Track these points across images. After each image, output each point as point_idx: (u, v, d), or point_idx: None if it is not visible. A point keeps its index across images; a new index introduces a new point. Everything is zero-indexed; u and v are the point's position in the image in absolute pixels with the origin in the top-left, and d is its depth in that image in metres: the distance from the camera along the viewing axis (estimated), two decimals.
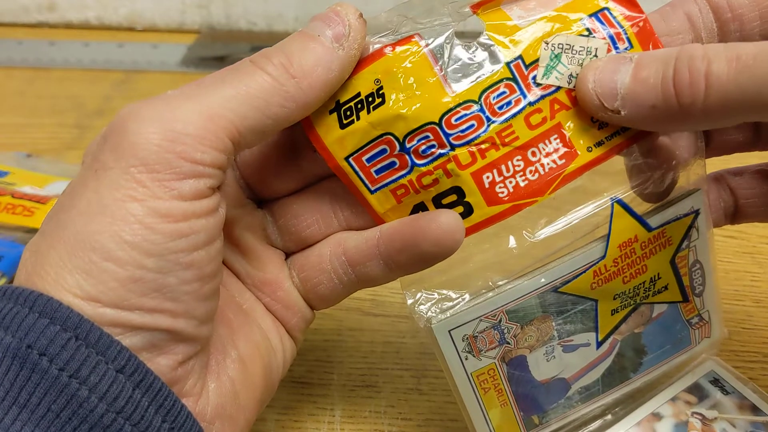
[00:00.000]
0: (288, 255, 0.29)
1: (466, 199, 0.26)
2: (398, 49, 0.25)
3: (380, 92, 0.25)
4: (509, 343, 0.28)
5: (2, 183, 0.45)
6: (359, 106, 0.25)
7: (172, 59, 0.63)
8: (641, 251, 0.28)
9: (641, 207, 0.28)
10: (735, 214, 0.31)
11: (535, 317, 0.28)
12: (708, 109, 0.23)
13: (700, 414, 0.30)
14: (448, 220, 0.25)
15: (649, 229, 0.28)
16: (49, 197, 0.44)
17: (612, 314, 0.28)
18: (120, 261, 0.21)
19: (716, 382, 0.31)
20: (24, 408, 0.20)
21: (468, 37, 0.26)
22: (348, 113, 0.25)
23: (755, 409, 0.30)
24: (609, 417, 0.30)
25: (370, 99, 0.25)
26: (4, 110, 0.57)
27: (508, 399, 0.29)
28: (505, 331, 0.28)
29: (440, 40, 0.25)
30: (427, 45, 0.25)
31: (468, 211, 0.26)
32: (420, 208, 0.26)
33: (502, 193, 0.26)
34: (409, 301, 0.27)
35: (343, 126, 0.25)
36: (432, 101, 0.25)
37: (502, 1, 0.26)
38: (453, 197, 0.26)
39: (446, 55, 0.25)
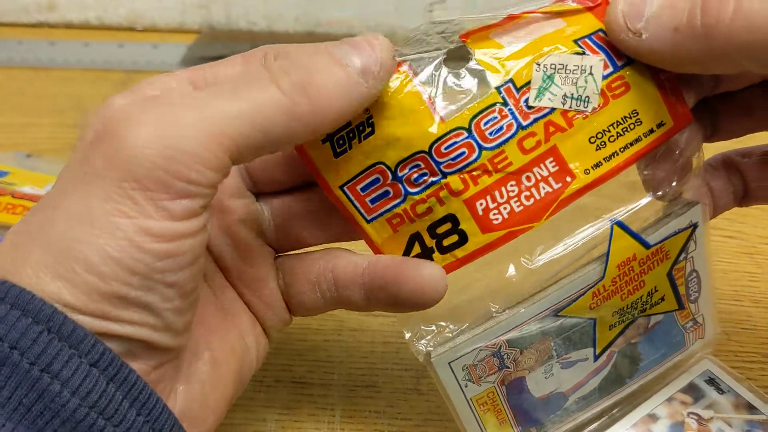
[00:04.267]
0: (277, 254, 0.29)
1: (460, 227, 0.25)
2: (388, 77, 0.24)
3: (370, 121, 0.25)
4: (509, 368, 0.28)
5: (2, 183, 0.45)
6: (351, 135, 0.25)
7: (172, 59, 0.63)
8: (639, 268, 0.27)
9: (638, 223, 0.27)
10: (744, 197, 0.31)
11: (535, 341, 0.28)
12: (731, 34, 0.22)
13: (696, 414, 0.30)
14: (431, 272, 0.25)
15: (647, 246, 0.27)
16: None
17: (610, 329, 0.28)
18: (104, 276, 0.20)
19: (711, 381, 0.31)
20: None
21: (457, 63, 0.25)
22: (341, 142, 0.25)
23: (751, 408, 0.30)
24: (605, 419, 0.30)
25: (361, 128, 0.25)
26: (4, 110, 0.57)
27: (507, 416, 0.29)
28: (505, 357, 0.27)
29: (429, 69, 0.25)
30: (415, 74, 0.24)
31: (463, 240, 0.25)
32: (416, 237, 0.26)
33: (497, 219, 0.25)
34: (407, 335, 0.27)
35: (336, 155, 0.25)
36: (421, 130, 0.24)
37: (492, 31, 0.25)
38: (447, 225, 0.25)
39: (435, 83, 0.24)
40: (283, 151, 0.26)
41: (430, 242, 0.26)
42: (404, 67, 0.25)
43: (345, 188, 0.26)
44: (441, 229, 0.25)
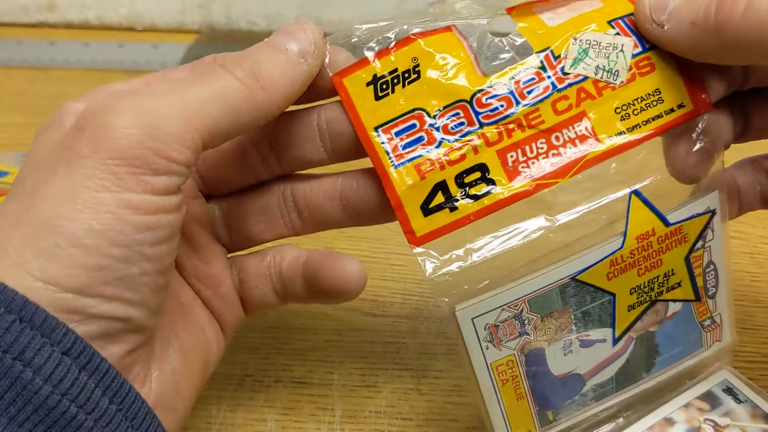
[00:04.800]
0: (230, 252, 0.30)
1: (489, 176, 0.27)
2: (437, 35, 0.27)
3: (416, 69, 0.27)
4: (529, 335, 0.28)
5: (2, 183, 0.45)
6: (395, 80, 0.27)
7: (172, 59, 0.63)
8: (657, 245, 0.28)
9: (659, 202, 0.28)
10: None
11: (555, 309, 0.28)
12: (740, 30, 0.24)
13: (713, 420, 0.30)
14: (352, 266, 0.28)
15: (666, 223, 0.28)
16: None
17: (629, 310, 0.29)
18: (86, 248, 0.21)
19: (729, 390, 0.31)
20: None
21: (501, 33, 0.28)
22: (384, 86, 0.27)
23: None
24: (621, 420, 0.30)
25: (407, 75, 0.27)
26: (4, 110, 0.57)
27: (525, 392, 0.29)
28: (526, 321, 0.28)
29: (475, 32, 0.27)
30: (462, 35, 0.27)
31: (491, 188, 0.27)
32: (440, 186, 0.27)
33: (525, 172, 0.27)
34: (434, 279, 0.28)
35: (377, 98, 0.27)
36: (465, 81, 0.27)
37: (535, 6, 0.28)
38: (477, 174, 0.27)
39: (480, 45, 0.27)
40: (245, 134, 0.28)
41: (455, 191, 0.27)
42: (453, 30, 0.27)
43: (380, 130, 0.27)
44: (469, 178, 0.27)
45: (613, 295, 0.28)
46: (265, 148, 0.28)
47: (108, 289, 0.22)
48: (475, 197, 0.27)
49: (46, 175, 0.22)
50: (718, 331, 0.31)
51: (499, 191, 0.27)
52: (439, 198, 0.27)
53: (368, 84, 0.27)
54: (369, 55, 0.27)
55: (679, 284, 0.29)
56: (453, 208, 0.27)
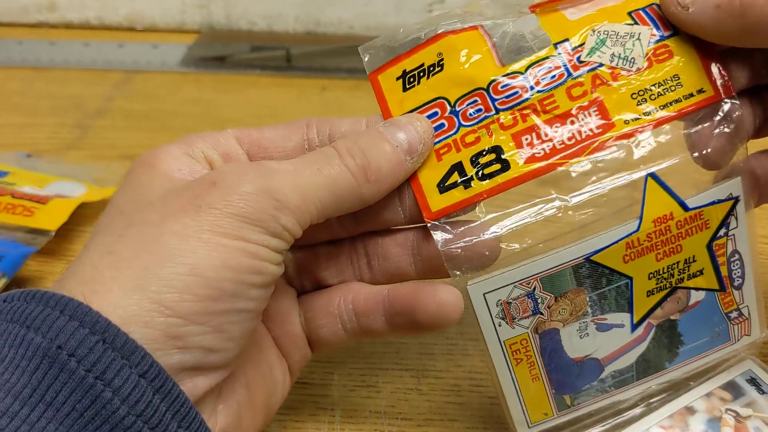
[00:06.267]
0: (298, 293, 0.31)
1: (504, 157, 0.28)
2: (464, 33, 0.29)
3: (441, 62, 0.29)
4: (542, 314, 0.28)
5: (2, 183, 0.45)
6: (421, 74, 0.29)
7: (172, 59, 0.63)
8: (676, 230, 0.28)
9: (678, 189, 0.28)
10: None
11: (569, 290, 0.28)
12: (764, 14, 0.25)
13: (734, 411, 0.29)
14: (446, 296, 0.27)
15: (685, 208, 0.28)
16: (49, 197, 0.44)
17: (648, 296, 0.29)
18: (204, 278, 0.23)
19: (753, 381, 0.30)
20: (50, 406, 0.21)
21: (524, 29, 0.29)
22: (411, 80, 0.29)
23: None
24: (642, 408, 0.30)
25: (431, 68, 0.29)
26: (4, 110, 0.57)
27: (540, 374, 0.29)
28: (539, 300, 0.28)
29: (499, 30, 0.29)
30: (487, 33, 0.29)
31: (505, 168, 0.28)
32: (456, 167, 0.28)
33: (539, 153, 0.28)
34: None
35: (405, 90, 0.29)
36: (483, 70, 0.28)
37: (559, 3, 0.29)
38: (492, 156, 0.28)
39: (502, 39, 0.29)
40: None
41: (470, 171, 0.28)
42: (479, 29, 0.29)
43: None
44: (484, 159, 0.28)
45: (630, 279, 0.28)
46: (347, 215, 0.29)
47: (213, 320, 0.23)
48: (490, 176, 0.28)
49: (175, 215, 0.24)
50: (746, 324, 0.30)
51: (513, 170, 0.28)
52: (455, 177, 0.28)
53: (398, 78, 0.29)
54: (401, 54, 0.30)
55: (701, 272, 0.29)
56: (467, 186, 0.28)
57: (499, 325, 0.28)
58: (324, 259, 0.31)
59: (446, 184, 0.28)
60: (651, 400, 0.30)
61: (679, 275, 0.29)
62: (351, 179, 0.26)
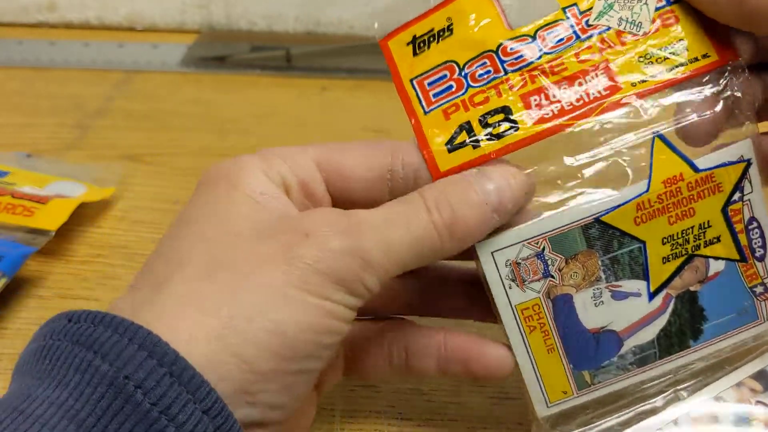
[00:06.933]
0: None
1: (512, 117, 0.28)
2: None
3: (450, 27, 0.29)
4: (554, 277, 0.28)
5: (2, 183, 0.45)
6: (431, 39, 0.30)
7: (172, 59, 0.63)
8: (688, 192, 0.28)
9: (687, 151, 0.28)
10: None
11: (579, 251, 0.28)
12: (761, 4, 0.25)
13: (764, 403, 0.29)
14: (502, 353, 0.28)
15: (696, 169, 0.28)
16: (49, 197, 0.44)
17: (663, 263, 0.28)
18: (285, 337, 0.23)
19: None
20: None
21: None
22: (421, 45, 0.30)
23: None
24: (670, 394, 0.29)
25: (441, 33, 0.29)
26: (4, 110, 0.57)
27: (556, 344, 0.29)
28: (549, 262, 0.28)
29: None
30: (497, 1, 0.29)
31: (514, 128, 0.28)
32: (464, 126, 0.28)
33: (547, 114, 0.28)
34: None
35: (415, 54, 0.30)
36: (492, 34, 0.29)
37: None
38: (500, 116, 0.28)
39: (510, 3, 0.29)
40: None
41: (479, 131, 0.28)
42: None
43: (414, 81, 0.29)
44: (493, 119, 0.28)
45: (643, 243, 0.28)
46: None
47: (286, 379, 0.23)
48: (498, 136, 0.28)
49: (266, 266, 0.24)
50: None
51: (522, 131, 0.28)
52: (463, 136, 0.28)
53: (408, 44, 0.30)
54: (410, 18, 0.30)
55: (718, 239, 0.29)
56: (476, 146, 0.28)
57: (510, 288, 0.28)
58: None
59: (455, 143, 0.28)
60: (678, 387, 0.29)
61: (695, 241, 0.28)
62: (435, 237, 0.26)
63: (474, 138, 0.28)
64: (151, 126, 0.55)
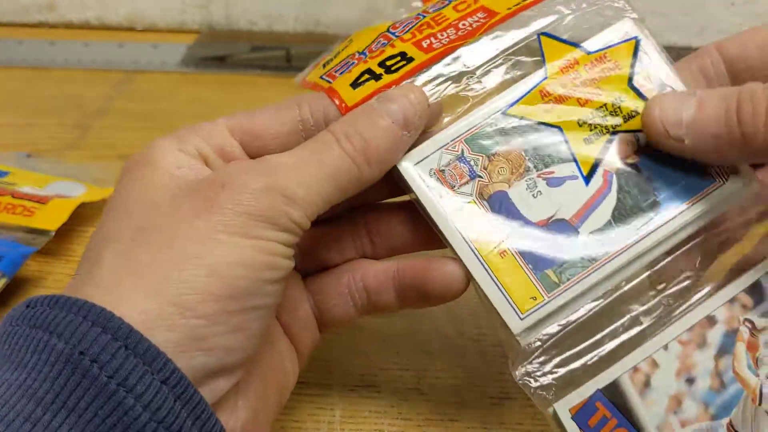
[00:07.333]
0: (303, 277, 0.31)
1: (408, 56, 0.30)
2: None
3: (350, 40, 0.33)
4: (481, 177, 0.28)
5: (2, 183, 0.45)
6: (337, 54, 0.33)
7: (172, 59, 0.63)
8: (586, 73, 0.29)
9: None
10: None
11: (499, 147, 0.29)
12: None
13: (750, 322, 0.28)
14: (453, 268, 0.28)
15: (587, 51, 0.29)
16: (49, 197, 0.44)
17: (586, 143, 0.29)
18: (222, 278, 0.23)
19: None
20: (72, 412, 0.21)
21: None
22: (329, 62, 0.33)
23: None
24: (661, 312, 0.28)
25: (344, 47, 0.33)
26: (4, 110, 0.57)
27: (506, 247, 0.28)
28: (472, 162, 0.28)
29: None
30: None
31: (410, 61, 0.30)
32: (366, 71, 0.30)
33: (437, 46, 0.30)
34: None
35: (324, 67, 0.33)
36: (385, 25, 0.32)
37: None
38: (397, 59, 0.30)
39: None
40: None
41: (380, 70, 0.30)
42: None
43: (324, 76, 0.31)
44: (391, 62, 0.30)
45: (559, 127, 0.29)
46: None
47: (233, 319, 0.24)
48: (396, 69, 0.30)
49: (187, 218, 0.24)
50: None
51: (416, 61, 0.30)
52: (366, 77, 0.30)
53: (323, 66, 0.33)
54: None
55: (637, 112, 0.29)
56: (378, 79, 0.29)
57: (441, 197, 0.28)
58: (325, 240, 0.31)
59: (358, 82, 0.30)
60: (664, 294, 0.28)
61: (612, 118, 0.29)
62: (352, 165, 0.27)
63: (374, 75, 0.30)
64: (151, 126, 0.55)
